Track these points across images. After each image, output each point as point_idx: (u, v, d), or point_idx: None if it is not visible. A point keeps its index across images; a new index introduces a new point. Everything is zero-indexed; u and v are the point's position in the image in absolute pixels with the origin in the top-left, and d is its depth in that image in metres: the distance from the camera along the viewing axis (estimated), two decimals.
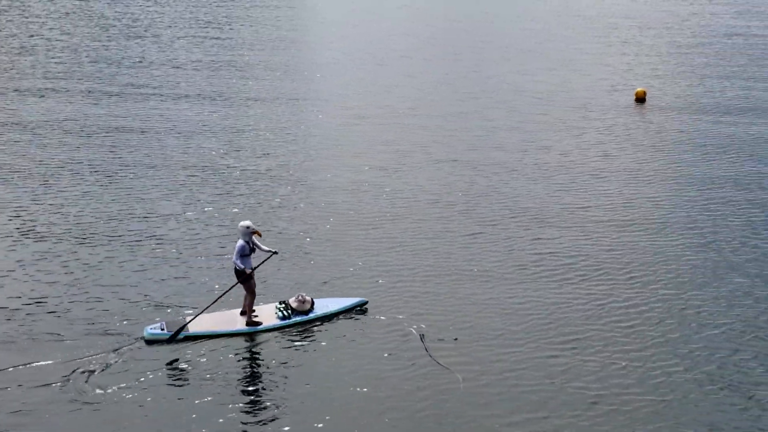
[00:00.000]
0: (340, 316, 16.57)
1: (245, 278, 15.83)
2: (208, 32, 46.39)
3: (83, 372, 14.86)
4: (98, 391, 14.34)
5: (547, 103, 32.12)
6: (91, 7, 48.90)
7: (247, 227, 15.69)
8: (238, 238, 15.82)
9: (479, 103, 32.22)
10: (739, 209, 21.91)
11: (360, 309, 16.81)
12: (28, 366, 15.06)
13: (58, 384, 14.55)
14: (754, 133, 28.45)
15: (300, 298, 16.53)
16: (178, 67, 37.64)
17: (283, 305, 16.52)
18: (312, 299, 16.68)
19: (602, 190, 23.21)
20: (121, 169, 24.63)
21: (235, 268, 15.88)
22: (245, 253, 15.68)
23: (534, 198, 22.54)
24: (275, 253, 16.37)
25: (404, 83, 35.54)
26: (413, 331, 15.56)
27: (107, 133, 28.09)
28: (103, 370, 14.89)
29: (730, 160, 25.81)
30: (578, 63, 39.41)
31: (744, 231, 20.54)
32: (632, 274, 18.24)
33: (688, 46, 42.31)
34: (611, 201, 22.45)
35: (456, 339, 15.56)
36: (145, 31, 45.60)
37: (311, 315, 16.42)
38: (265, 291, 17.22)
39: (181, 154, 26.13)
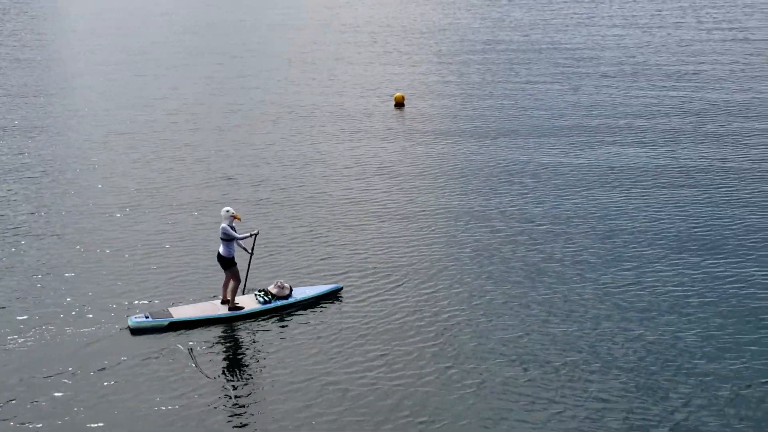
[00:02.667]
0: (318, 302, 17.23)
1: (229, 264, 16.42)
2: None
3: (68, 360, 15.30)
4: (83, 379, 14.80)
5: (312, 112, 32.39)
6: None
7: (228, 211, 16.45)
8: (221, 223, 16.48)
9: (244, 116, 32.29)
10: (489, 201, 22.60)
11: (336, 295, 17.49)
12: (10, 351, 15.44)
13: (43, 373, 14.97)
14: (505, 130, 29.37)
15: (279, 284, 17.17)
16: None
17: (263, 292, 17.13)
18: (290, 286, 17.32)
19: (365, 187, 23.92)
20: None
21: (219, 255, 16.47)
22: (229, 237, 16.28)
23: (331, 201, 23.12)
24: (257, 234, 17.18)
25: (168, 95, 36.02)
26: (180, 347, 15.81)
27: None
28: (87, 359, 15.35)
29: (484, 155, 26.66)
30: (339, 71, 39.89)
31: (482, 223, 21.24)
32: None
33: (444, 53, 43.17)
34: (377, 195, 23.24)
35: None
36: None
37: (290, 300, 17.06)
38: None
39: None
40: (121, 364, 15.23)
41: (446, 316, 16.59)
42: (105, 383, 14.65)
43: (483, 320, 16.39)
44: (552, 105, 32.28)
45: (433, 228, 20.88)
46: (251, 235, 16.93)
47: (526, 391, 14.11)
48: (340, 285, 17.71)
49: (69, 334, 16.23)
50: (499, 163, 25.90)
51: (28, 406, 14.04)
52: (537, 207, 22.07)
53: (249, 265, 17.30)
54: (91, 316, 16.88)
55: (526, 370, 14.70)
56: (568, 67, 38.58)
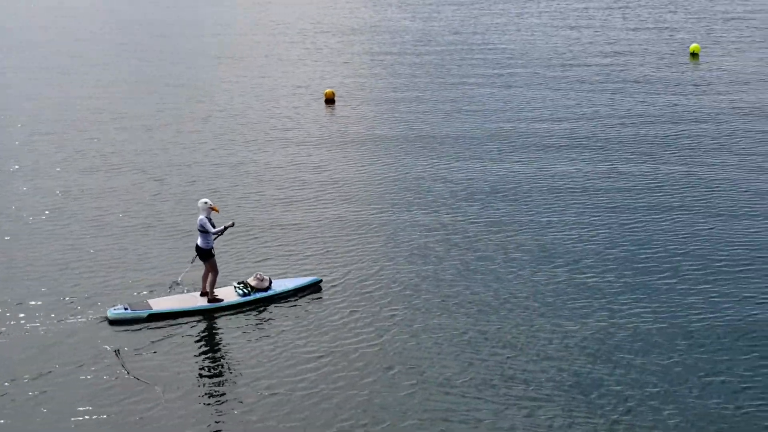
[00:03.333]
0: (297, 294, 17.33)
1: (207, 256, 16.49)
2: None
3: (48, 351, 15.33)
4: (62, 370, 14.84)
5: (243, 111, 31.92)
6: None
7: (206, 202, 16.54)
8: (198, 215, 16.51)
9: (173, 115, 31.52)
10: (418, 198, 22.63)
11: (315, 287, 17.59)
12: None
13: (23, 363, 15.00)
14: (431, 128, 29.21)
15: (258, 276, 17.24)
16: None
17: (242, 284, 17.20)
18: (270, 278, 17.40)
19: (294, 185, 23.83)
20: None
21: (198, 246, 16.52)
22: (207, 229, 16.34)
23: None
24: (232, 225, 17.21)
25: (93, 95, 35.20)
26: (108, 347, 15.71)
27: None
28: (67, 350, 15.40)
29: (412, 151, 26.65)
30: (270, 69, 39.27)
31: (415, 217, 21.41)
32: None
33: (376, 51, 42.61)
34: (305, 195, 23.12)
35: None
36: None
37: (270, 292, 17.14)
38: (222, 273, 17.83)
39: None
40: (100, 355, 15.26)
41: (424, 314, 16.74)
42: (84, 374, 14.67)
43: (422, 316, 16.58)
44: (480, 103, 31.80)
45: (377, 224, 21.04)
46: (225, 228, 16.95)
47: (468, 391, 14.23)
48: (319, 277, 17.80)
49: (48, 324, 16.24)
50: (430, 155, 26.04)
51: (5, 396, 14.06)
52: (472, 204, 22.00)
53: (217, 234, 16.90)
54: (70, 307, 16.90)
55: (469, 366, 14.84)
56: (499, 65, 37.89)
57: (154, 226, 21.01)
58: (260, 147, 27.45)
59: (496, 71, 36.68)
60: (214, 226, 16.61)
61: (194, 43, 46.52)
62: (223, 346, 15.76)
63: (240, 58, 41.80)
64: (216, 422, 13.48)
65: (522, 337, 15.66)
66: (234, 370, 14.87)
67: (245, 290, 17.06)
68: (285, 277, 17.90)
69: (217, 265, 16.89)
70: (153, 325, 16.23)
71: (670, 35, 42.68)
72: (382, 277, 18.03)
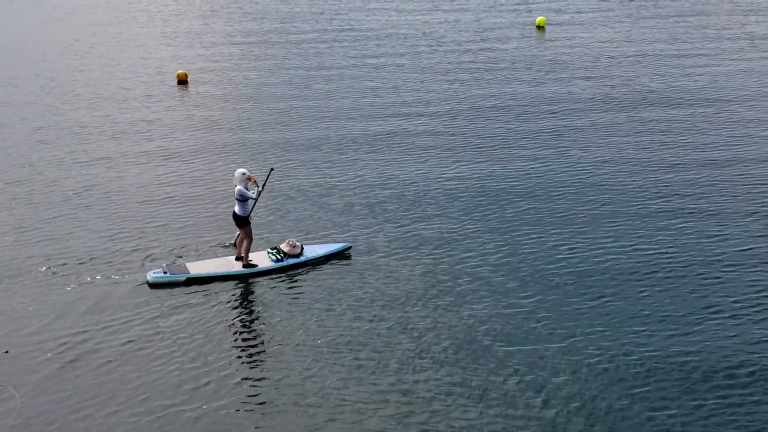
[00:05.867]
0: (327, 260, 18.06)
1: (244, 223, 17.24)
2: None
3: (89, 313, 16.21)
4: (103, 331, 15.66)
5: (97, 92, 31.23)
6: None
7: (243, 173, 17.18)
8: (236, 185, 17.20)
9: (23, 109, 29.70)
10: (299, 176, 22.75)
11: (345, 253, 18.33)
12: (29, 303, 16.33)
13: (64, 324, 15.89)
14: (292, 106, 29.23)
15: (291, 242, 17.99)
16: None
17: (275, 250, 17.94)
18: (301, 245, 18.14)
19: (147, 168, 23.71)
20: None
21: (234, 214, 17.27)
22: (247, 196, 17.06)
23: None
24: (272, 170, 18.83)
25: None
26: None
27: None
28: (108, 311, 16.25)
29: (276, 127, 26.97)
30: (120, 53, 37.92)
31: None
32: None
33: (230, 33, 41.50)
34: (175, 178, 23.08)
35: (6, 352, 15.13)
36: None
37: (302, 258, 17.88)
38: (256, 239, 18.58)
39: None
40: (140, 317, 16.09)
41: (450, 280, 17.43)
42: (124, 336, 15.50)
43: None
44: (340, 87, 31.39)
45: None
46: (262, 187, 17.70)
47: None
48: (348, 244, 18.52)
49: (90, 287, 17.08)
50: (289, 138, 26.02)
51: (49, 356, 14.90)
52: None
53: (258, 195, 17.51)
54: (111, 269, 17.73)
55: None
56: (356, 49, 37.07)
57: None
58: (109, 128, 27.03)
59: (351, 54, 35.78)
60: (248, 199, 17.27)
61: (41, 32, 43.07)
62: (257, 311, 16.54)
63: (90, 45, 39.69)
64: (251, 386, 14.21)
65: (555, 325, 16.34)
66: (267, 334, 15.63)
67: (278, 256, 17.80)
68: (316, 243, 18.64)
69: (252, 232, 17.64)
70: (191, 289, 17.05)
71: (515, 10, 42.78)
72: (408, 243, 18.73)
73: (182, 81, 32.26)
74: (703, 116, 27.00)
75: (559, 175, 22.52)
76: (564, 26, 39.84)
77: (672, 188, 21.46)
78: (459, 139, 25.53)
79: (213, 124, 27.52)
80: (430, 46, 37.16)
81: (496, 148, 24.72)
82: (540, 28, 39.36)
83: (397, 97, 29.87)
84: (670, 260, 17.87)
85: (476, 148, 24.74)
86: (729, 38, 36.78)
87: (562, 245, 18.62)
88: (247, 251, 17.51)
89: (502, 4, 45.32)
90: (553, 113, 27.65)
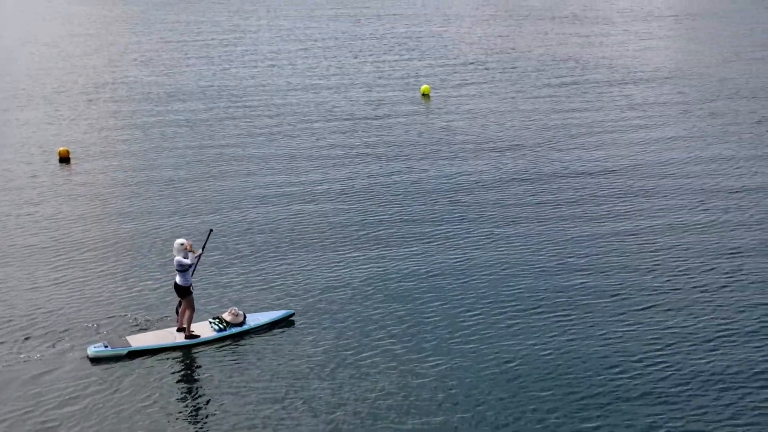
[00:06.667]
0: (271, 327, 18.01)
1: (186, 293, 17.14)
2: None
3: (27, 388, 15.87)
4: (42, 408, 15.34)
5: None
6: None
7: (182, 243, 17.18)
8: (174, 256, 17.13)
9: None
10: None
11: (288, 320, 18.31)
12: None
13: (4, 401, 15.51)
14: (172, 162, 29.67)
15: (233, 311, 17.93)
16: None
17: (218, 320, 17.86)
18: (244, 313, 18.09)
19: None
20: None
21: (176, 284, 17.17)
22: (184, 268, 16.99)
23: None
24: (211, 231, 19.33)
25: None
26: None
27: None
28: (47, 387, 15.92)
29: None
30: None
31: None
32: None
33: (114, 110, 38.89)
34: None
35: None
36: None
37: (245, 327, 17.81)
38: (198, 309, 18.44)
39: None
40: (81, 392, 15.79)
41: (397, 339, 17.51)
42: (64, 411, 15.20)
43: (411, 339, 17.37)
44: (232, 163, 30.31)
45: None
46: (204, 244, 18.38)
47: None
48: (291, 310, 18.51)
49: (28, 361, 16.74)
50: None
51: None
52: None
53: (198, 259, 17.80)
54: (49, 344, 17.41)
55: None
56: (253, 126, 35.46)
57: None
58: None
59: (241, 129, 34.71)
60: (189, 267, 17.23)
61: None
62: (202, 381, 16.36)
63: None
64: None
65: (501, 360, 16.50)
66: (212, 403, 15.48)
67: (221, 325, 17.71)
68: (259, 312, 18.58)
69: (194, 301, 17.54)
70: (133, 362, 16.80)
71: (403, 78, 43.41)
72: (351, 310, 18.79)
73: (64, 159, 30.61)
74: (593, 187, 26.67)
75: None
76: (449, 93, 39.82)
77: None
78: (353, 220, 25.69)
79: (104, 201, 26.41)
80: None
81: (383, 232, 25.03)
82: (425, 95, 39.22)
83: (295, 176, 28.68)
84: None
85: (372, 234, 25.02)
86: (609, 104, 36.94)
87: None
88: (189, 322, 17.38)
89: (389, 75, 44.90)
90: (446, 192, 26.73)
